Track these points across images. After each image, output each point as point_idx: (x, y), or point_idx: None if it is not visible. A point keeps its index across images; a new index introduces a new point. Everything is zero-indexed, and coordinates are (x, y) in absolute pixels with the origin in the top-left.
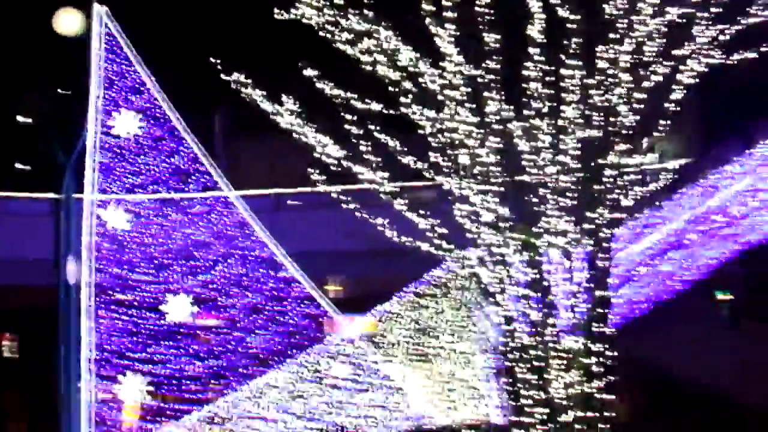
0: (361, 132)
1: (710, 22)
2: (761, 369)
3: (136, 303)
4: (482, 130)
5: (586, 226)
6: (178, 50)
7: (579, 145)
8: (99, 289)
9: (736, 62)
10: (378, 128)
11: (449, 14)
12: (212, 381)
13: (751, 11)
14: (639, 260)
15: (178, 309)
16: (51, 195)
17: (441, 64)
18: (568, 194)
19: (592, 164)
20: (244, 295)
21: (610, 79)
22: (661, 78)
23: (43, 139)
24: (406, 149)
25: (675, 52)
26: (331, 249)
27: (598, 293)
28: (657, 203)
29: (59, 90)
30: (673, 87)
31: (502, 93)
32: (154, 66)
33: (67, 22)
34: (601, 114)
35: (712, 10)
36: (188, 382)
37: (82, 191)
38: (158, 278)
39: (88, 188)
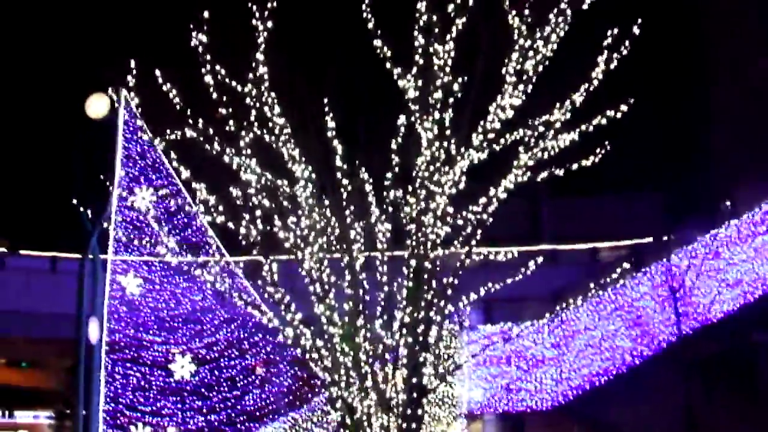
0: None
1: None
2: None
3: (147, 361)
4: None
5: (407, 320)
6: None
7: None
8: (114, 348)
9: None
10: None
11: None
12: None
13: None
14: (600, 335)
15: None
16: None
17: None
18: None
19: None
20: (242, 357)
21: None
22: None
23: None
24: None
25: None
26: None
27: (414, 381)
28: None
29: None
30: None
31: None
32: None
33: (95, 106)
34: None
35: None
36: None
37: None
38: (167, 339)
39: (110, 254)
